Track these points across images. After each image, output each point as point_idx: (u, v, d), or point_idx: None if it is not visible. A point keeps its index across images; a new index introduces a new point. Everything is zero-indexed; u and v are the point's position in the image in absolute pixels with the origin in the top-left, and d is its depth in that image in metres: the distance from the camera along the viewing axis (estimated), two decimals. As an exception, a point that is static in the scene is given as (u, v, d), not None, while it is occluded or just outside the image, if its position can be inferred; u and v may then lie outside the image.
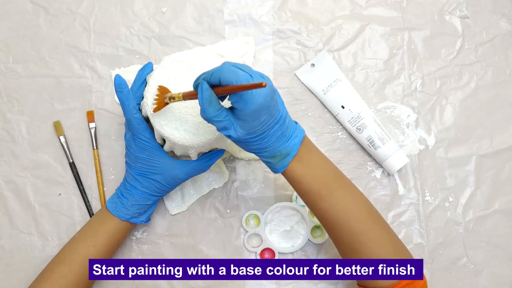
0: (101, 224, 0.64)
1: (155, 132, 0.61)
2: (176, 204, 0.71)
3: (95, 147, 0.71)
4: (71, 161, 0.71)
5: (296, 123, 0.56)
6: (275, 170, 0.56)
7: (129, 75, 0.71)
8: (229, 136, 0.52)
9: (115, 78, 0.60)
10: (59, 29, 0.74)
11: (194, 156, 0.63)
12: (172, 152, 0.65)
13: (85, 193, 0.71)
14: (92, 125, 0.72)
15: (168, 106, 0.59)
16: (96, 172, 0.71)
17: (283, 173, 0.57)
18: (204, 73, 0.52)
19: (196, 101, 0.60)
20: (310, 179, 0.56)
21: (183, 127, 0.59)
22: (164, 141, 0.63)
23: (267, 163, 0.56)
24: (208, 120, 0.51)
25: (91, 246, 0.63)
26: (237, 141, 0.53)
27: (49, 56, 0.74)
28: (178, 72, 0.61)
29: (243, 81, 0.49)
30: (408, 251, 0.60)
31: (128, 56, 0.74)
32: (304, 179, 0.56)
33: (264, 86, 0.46)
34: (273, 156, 0.55)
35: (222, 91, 0.50)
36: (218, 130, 0.52)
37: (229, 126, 0.51)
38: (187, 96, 0.56)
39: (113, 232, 0.64)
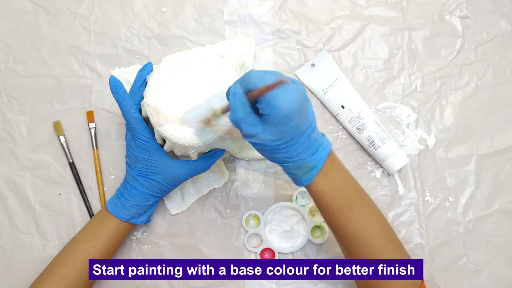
0: (101, 225, 0.64)
1: (155, 132, 0.61)
2: (176, 204, 0.71)
3: (95, 147, 0.71)
4: (71, 161, 0.71)
5: (323, 135, 0.55)
6: (299, 183, 0.55)
7: (129, 75, 0.71)
8: (254, 144, 0.51)
9: (110, 80, 0.59)
10: (59, 29, 0.74)
11: (194, 156, 0.63)
12: (172, 152, 0.65)
13: (85, 193, 0.71)
14: (92, 125, 0.72)
15: (169, 106, 0.59)
16: (96, 172, 0.71)
17: (306, 186, 0.56)
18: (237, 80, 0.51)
19: None
20: (332, 194, 0.55)
21: (183, 127, 0.59)
22: (164, 141, 0.63)
23: (291, 175, 0.55)
24: (237, 122, 0.50)
25: (91, 247, 0.63)
26: (264, 148, 0.52)
27: (49, 56, 0.73)
28: (178, 72, 0.61)
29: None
30: None
31: (128, 56, 0.74)
32: (327, 194, 0.55)
33: (284, 82, 0.46)
34: (299, 167, 0.53)
35: (250, 97, 0.49)
36: (245, 136, 0.51)
37: (256, 131, 0.50)
38: (225, 110, 0.55)
39: (113, 232, 0.64)
